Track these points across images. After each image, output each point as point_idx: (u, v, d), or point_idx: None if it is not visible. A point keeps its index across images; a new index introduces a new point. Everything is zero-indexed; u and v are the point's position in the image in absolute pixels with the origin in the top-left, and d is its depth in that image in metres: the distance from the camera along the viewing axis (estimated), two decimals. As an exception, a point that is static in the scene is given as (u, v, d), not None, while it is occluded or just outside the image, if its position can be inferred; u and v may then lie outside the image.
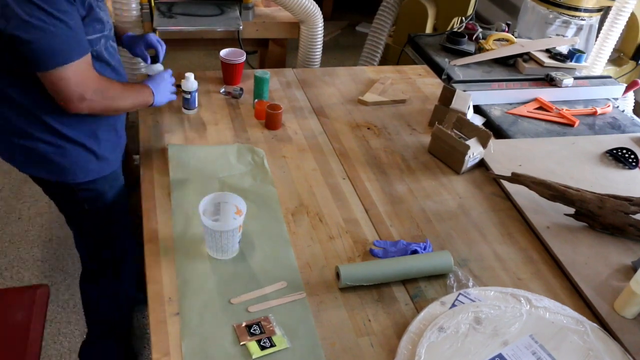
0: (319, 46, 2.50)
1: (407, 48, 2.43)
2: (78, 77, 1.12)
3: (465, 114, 1.61)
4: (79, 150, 1.30)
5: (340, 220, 1.32)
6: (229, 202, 1.18)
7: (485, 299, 1.11)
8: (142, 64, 1.46)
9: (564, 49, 2.12)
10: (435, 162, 1.57)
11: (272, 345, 0.99)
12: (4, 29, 1.03)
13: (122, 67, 1.40)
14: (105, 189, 1.42)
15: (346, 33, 4.51)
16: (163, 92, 1.41)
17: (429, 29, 2.73)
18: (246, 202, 1.28)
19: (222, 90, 1.78)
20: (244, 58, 1.80)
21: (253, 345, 0.98)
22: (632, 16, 2.34)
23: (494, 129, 1.74)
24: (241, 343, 1.00)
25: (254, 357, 0.97)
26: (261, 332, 1.02)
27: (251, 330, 1.02)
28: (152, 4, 2.29)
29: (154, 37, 1.53)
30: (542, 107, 1.89)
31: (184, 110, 1.66)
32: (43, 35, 1.03)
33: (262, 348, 0.98)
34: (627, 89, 2.05)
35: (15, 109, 1.20)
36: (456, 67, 2.06)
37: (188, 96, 1.62)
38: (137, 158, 1.70)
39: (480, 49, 2.17)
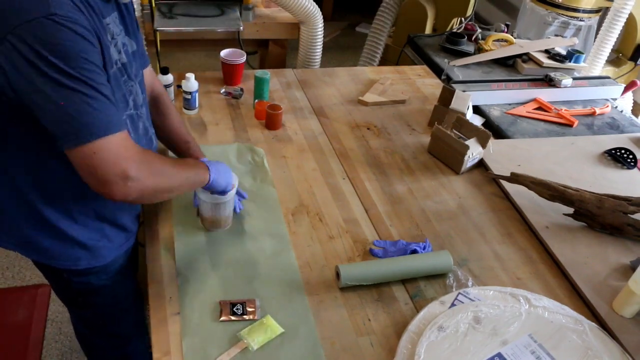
0: (319, 47, 2.51)
1: (406, 48, 2.43)
2: (115, 151, 0.86)
3: (464, 114, 1.62)
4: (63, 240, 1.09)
5: (340, 220, 1.32)
6: None
7: (485, 298, 1.12)
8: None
9: (562, 49, 2.12)
10: (435, 162, 1.58)
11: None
12: (19, 94, 0.84)
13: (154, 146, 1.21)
14: (103, 282, 1.20)
15: (346, 34, 4.52)
16: (222, 172, 1.13)
17: (428, 30, 2.74)
18: (246, 202, 1.28)
19: (223, 90, 1.78)
20: (244, 58, 1.81)
21: (251, 335, 1.00)
22: (631, 17, 2.35)
23: (493, 129, 1.74)
24: (220, 319, 1.03)
25: (255, 348, 0.99)
26: (242, 314, 1.04)
27: (234, 309, 1.05)
28: (153, 4, 2.29)
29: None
30: (541, 108, 1.90)
31: (184, 110, 1.66)
32: (74, 102, 0.82)
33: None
34: (625, 89, 2.06)
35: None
36: (455, 68, 2.06)
37: (188, 96, 1.63)
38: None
39: (479, 50, 2.17)
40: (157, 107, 1.28)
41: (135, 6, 2.22)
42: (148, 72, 1.24)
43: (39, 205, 1.03)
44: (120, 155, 0.86)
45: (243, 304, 1.06)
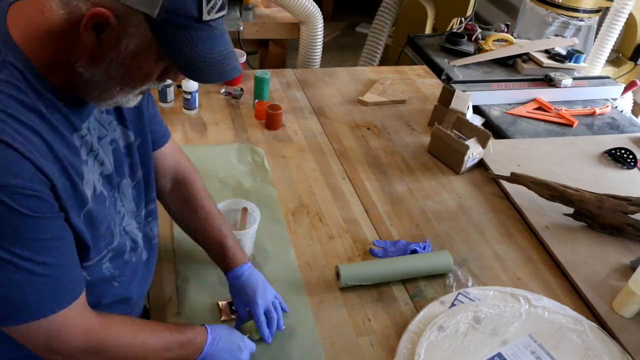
0: (319, 47, 2.50)
1: (406, 48, 2.43)
2: (53, 331, 0.72)
3: (464, 114, 1.62)
4: None
5: (340, 220, 1.32)
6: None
7: (485, 298, 1.12)
8: None
9: (562, 49, 2.13)
10: (435, 162, 1.58)
11: None
12: None
13: (149, 263, 0.96)
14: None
15: (346, 33, 4.52)
16: (224, 350, 0.90)
17: (428, 30, 2.74)
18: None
19: (223, 90, 1.78)
20: (244, 58, 1.81)
21: (251, 326, 1.01)
22: (631, 17, 2.35)
23: (493, 129, 1.74)
24: (221, 319, 1.04)
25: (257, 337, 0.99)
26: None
27: (232, 308, 1.05)
28: (153, 4, 2.29)
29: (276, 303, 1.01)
30: (541, 108, 1.90)
31: (184, 110, 1.66)
32: (6, 284, 0.67)
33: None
34: (625, 89, 2.06)
35: None
36: (455, 68, 2.06)
37: (189, 97, 1.63)
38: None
39: (479, 50, 2.17)
40: (180, 193, 1.03)
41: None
42: (169, 149, 1.02)
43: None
44: (57, 337, 0.73)
45: None
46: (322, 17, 2.44)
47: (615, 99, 2.02)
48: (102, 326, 0.78)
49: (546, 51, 2.11)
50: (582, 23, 2.43)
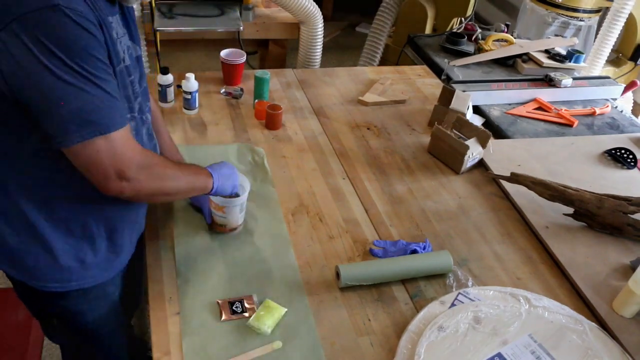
0: (319, 47, 2.51)
1: (406, 48, 2.43)
2: (117, 149, 0.84)
3: (464, 114, 1.62)
4: (42, 249, 0.99)
5: (340, 220, 1.32)
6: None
7: (485, 298, 1.12)
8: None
9: (562, 49, 2.12)
10: (435, 162, 1.58)
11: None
12: (15, 88, 0.79)
13: None
14: (82, 307, 1.11)
15: (346, 34, 4.52)
16: (227, 176, 1.11)
17: (428, 30, 2.74)
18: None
19: (223, 90, 1.78)
20: (244, 58, 1.81)
21: (261, 321, 1.02)
22: (631, 17, 2.35)
23: (493, 129, 1.74)
24: (222, 319, 1.03)
25: (269, 332, 1.01)
26: (242, 311, 1.05)
27: (233, 308, 1.05)
28: (153, 4, 2.29)
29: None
30: (541, 108, 1.90)
31: (184, 110, 1.66)
32: (75, 99, 0.79)
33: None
34: (625, 89, 2.06)
35: None
36: (455, 68, 2.06)
37: (188, 96, 1.63)
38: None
39: (479, 50, 2.17)
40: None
41: (135, 5, 2.23)
42: None
43: (23, 208, 0.95)
44: (121, 155, 0.85)
45: (241, 301, 1.07)
46: (322, 17, 2.44)
47: (615, 99, 2.02)
48: (143, 148, 0.93)
49: (546, 51, 2.11)
50: (582, 23, 2.43)
